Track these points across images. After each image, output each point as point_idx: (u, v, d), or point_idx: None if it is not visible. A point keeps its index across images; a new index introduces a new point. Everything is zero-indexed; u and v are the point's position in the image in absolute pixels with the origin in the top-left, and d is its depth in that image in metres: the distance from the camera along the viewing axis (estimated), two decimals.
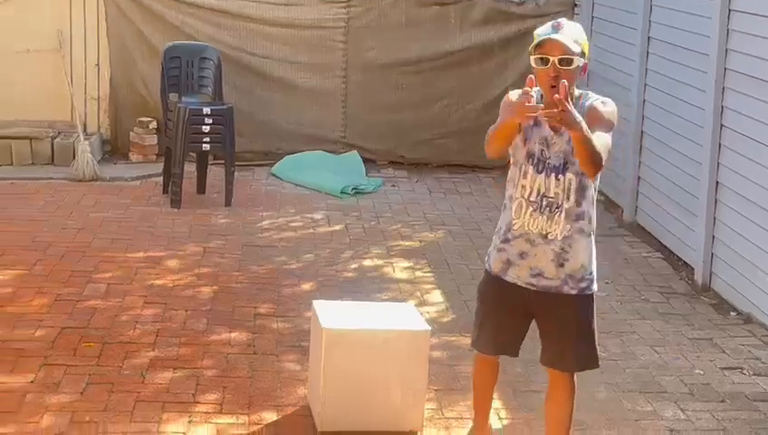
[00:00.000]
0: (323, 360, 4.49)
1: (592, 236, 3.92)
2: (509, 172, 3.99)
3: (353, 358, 4.47)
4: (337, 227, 7.62)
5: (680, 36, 7.24)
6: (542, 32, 3.73)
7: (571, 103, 3.52)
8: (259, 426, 4.57)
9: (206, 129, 7.84)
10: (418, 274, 6.72)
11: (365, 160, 9.09)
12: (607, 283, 6.58)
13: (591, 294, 3.94)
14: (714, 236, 6.59)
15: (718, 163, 6.55)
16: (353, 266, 6.78)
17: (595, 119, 3.72)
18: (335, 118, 9.31)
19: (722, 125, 6.51)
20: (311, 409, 4.70)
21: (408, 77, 9.29)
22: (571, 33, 3.70)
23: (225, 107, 8.02)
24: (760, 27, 6.07)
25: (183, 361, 5.19)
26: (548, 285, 3.88)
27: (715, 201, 6.58)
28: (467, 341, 5.60)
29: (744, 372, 5.39)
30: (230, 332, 5.60)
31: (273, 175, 8.85)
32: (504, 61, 9.28)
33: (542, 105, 3.63)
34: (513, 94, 3.71)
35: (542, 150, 3.81)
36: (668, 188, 7.37)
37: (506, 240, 3.91)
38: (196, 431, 4.49)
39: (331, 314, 4.62)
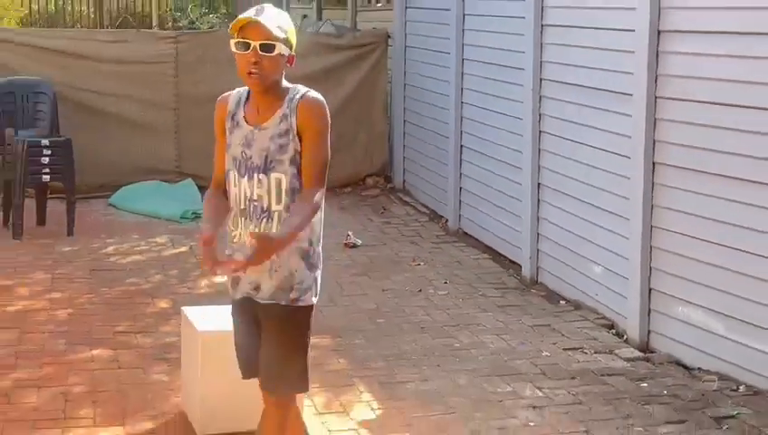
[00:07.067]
0: (201, 365, 4.06)
1: (312, 245, 3.17)
2: None
3: (231, 360, 4.05)
4: (182, 249, 7.15)
5: (493, 54, 7.20)
6: (243, 15, 3.09)
7: (262, 246, 2.90)
8: None
9: (44, 160, 7.27)
10: None
11: (200, 188, 8.61)
12: (445, 282, 6.46)
13: (304, 307, 3.16)
14: (538, 234, 6.53)
15: (539, 166, 6.50)
16: (205, 283, 6.34)
17: (309, 122, 3.07)
18: (168, 149, 8.85)
19: (540, 131, 6.47)
20: (187, 415, 4.24)
21: None
22: (275, 19, 3.07)
23: (63, 138, 7.43)
24: (568, 37, 6.08)
25: (47, 380, 4.63)
26: (263, 296, 3.14)
27: (538, 201, 6.53)
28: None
29: (586, 351, 5.28)
30: (91, 350, 5.07)
31: (111, 205, 8.29)
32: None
33: (234, 260, 3.03)
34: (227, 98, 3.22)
35: (243, 151, 3.12)
36: (491, 195, 7.29)
37: (229, 254, 3.18)
38: None
39: (205, 319, 4.20)
